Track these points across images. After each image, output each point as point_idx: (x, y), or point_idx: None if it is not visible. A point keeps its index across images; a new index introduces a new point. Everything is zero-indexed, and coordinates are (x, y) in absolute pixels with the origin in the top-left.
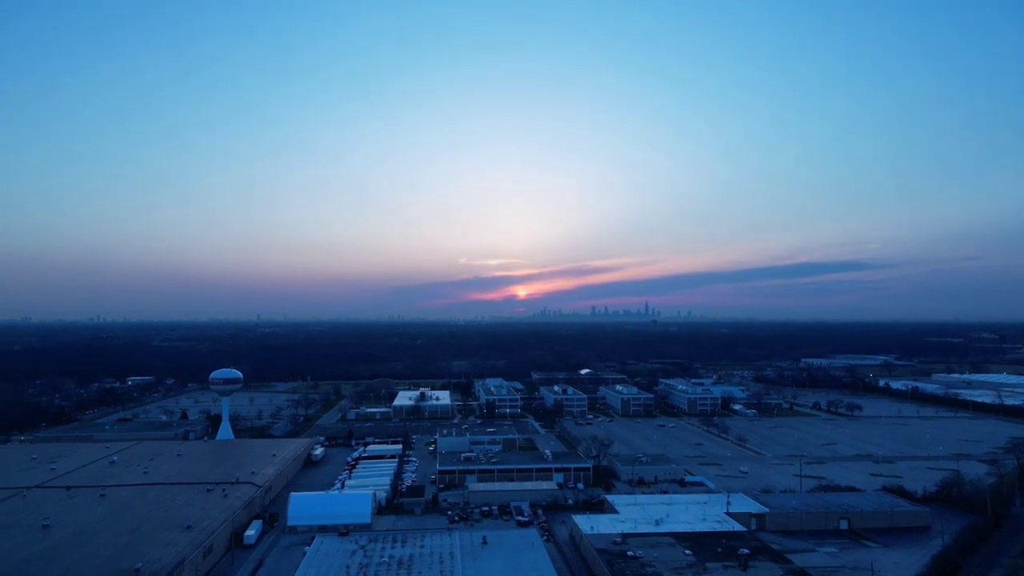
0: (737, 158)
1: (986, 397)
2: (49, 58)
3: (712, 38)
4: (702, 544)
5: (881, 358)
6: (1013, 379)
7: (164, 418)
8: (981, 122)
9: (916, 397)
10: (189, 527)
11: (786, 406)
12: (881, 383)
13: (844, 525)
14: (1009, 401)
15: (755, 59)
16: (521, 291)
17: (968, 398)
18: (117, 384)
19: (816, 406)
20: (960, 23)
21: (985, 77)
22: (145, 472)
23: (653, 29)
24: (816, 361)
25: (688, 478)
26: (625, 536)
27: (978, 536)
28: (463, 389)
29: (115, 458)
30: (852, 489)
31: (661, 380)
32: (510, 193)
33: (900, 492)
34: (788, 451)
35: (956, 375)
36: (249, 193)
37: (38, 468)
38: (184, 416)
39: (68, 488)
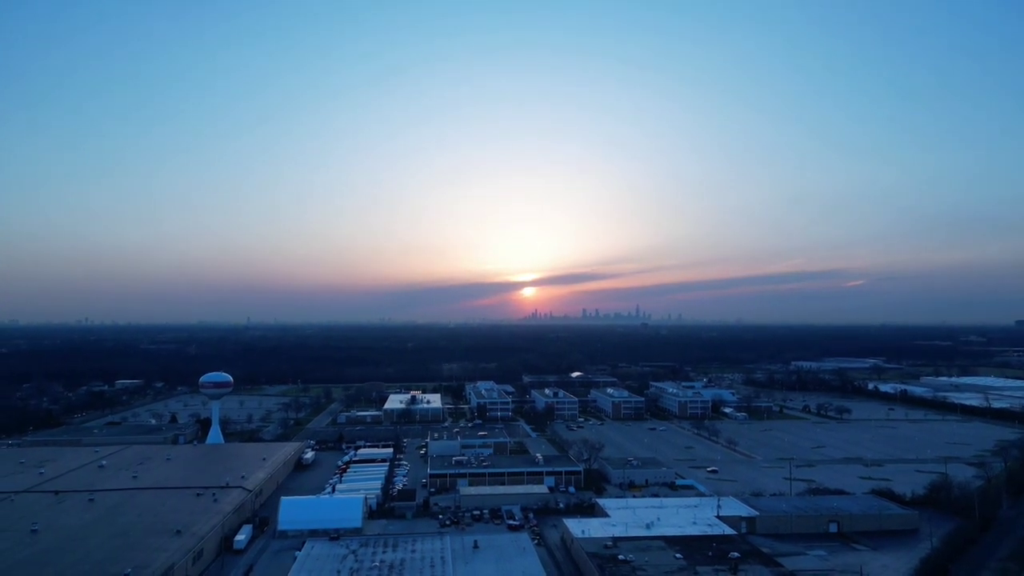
0: (724, 166)
1: (974, 400)
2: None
3: (704, 55)
4: (692, 548)
5: (870, 361)
6: (1000, 382)
7: (153, 422)
8: (971, 130)
9: (905, 400)
10: (179, 532)
11: (776, 409)
12: (870, 386)
13: (834, 528)
14: (996, 404)
15: (747, 69)
16: (517, 296)
17: (956, 401)
18: (106, 387)
19: (806, 409)
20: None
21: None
22: (134, 476)
23: (653, 46)
24: (805, 364)
25: (679, 481)
26: (616, 540)
27: (966, 539)
28: (454, 392)
29: (104, 462)
30: (841, 492)
31: (652, 383)
32: (509, 199)
33: (889, 495)
34: (778, 454)
35: (944, 378)
36: (238, 195)
37: (26, 472)
38: (173, 420)
39: (56, 492)
